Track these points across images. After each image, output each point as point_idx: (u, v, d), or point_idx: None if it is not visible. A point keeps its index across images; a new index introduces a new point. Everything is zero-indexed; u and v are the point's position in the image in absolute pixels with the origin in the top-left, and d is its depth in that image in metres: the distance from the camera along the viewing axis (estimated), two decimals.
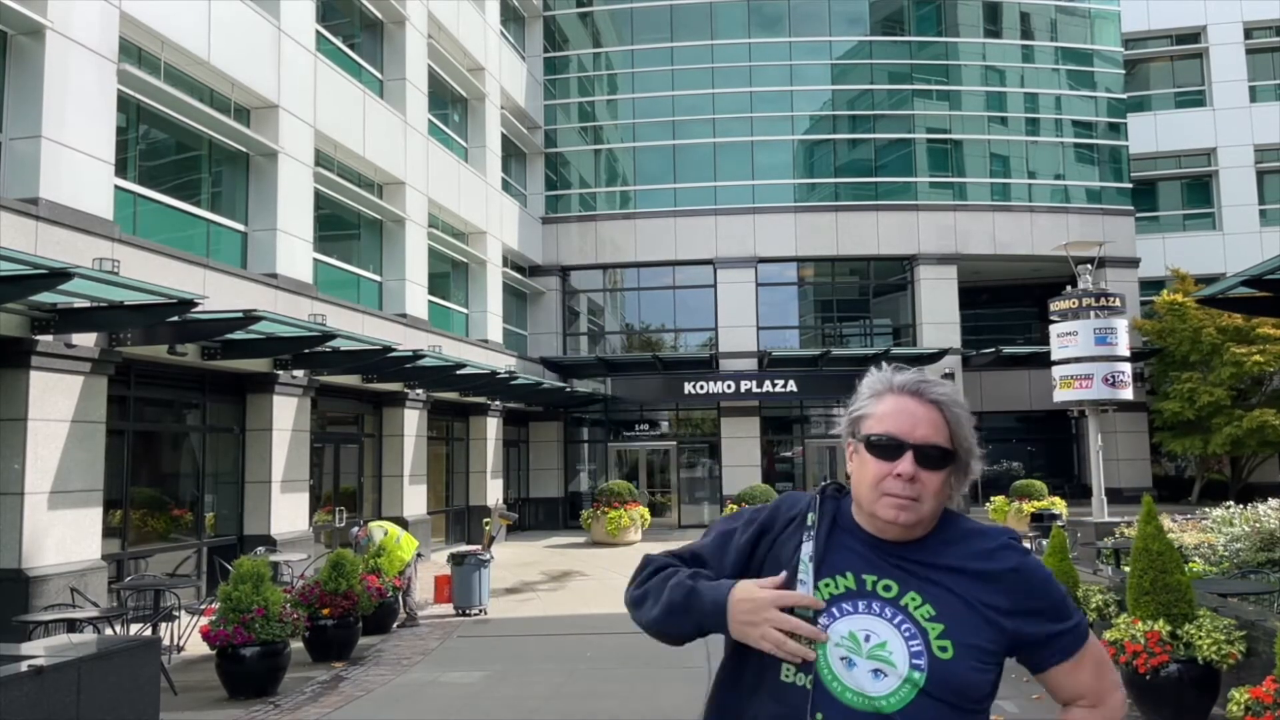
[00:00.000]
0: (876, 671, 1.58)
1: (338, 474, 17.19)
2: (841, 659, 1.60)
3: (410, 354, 14.99)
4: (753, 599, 1.62)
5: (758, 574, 1.70)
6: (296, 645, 8.75)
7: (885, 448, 1.64)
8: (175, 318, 9.96)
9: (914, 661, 1.58)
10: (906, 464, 1.62)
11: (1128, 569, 7.25)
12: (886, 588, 1.64)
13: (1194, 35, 30.82)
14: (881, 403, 1.68)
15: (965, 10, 27.41)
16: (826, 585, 1.65)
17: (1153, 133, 30.12)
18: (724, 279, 26.36)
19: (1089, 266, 15.58)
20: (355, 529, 11.97)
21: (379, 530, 11.55)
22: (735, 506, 16.09)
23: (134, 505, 11.99)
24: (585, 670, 8.91)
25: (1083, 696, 1.73)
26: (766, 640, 1.59)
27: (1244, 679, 5.81)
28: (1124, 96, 28.26)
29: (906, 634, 1.60)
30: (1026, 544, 13.05)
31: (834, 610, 1.63)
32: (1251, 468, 26.02)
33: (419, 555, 12.01)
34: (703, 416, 26.84)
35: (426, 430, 19.18)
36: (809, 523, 1.73)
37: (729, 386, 24.73)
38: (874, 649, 1.59)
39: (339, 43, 17.33)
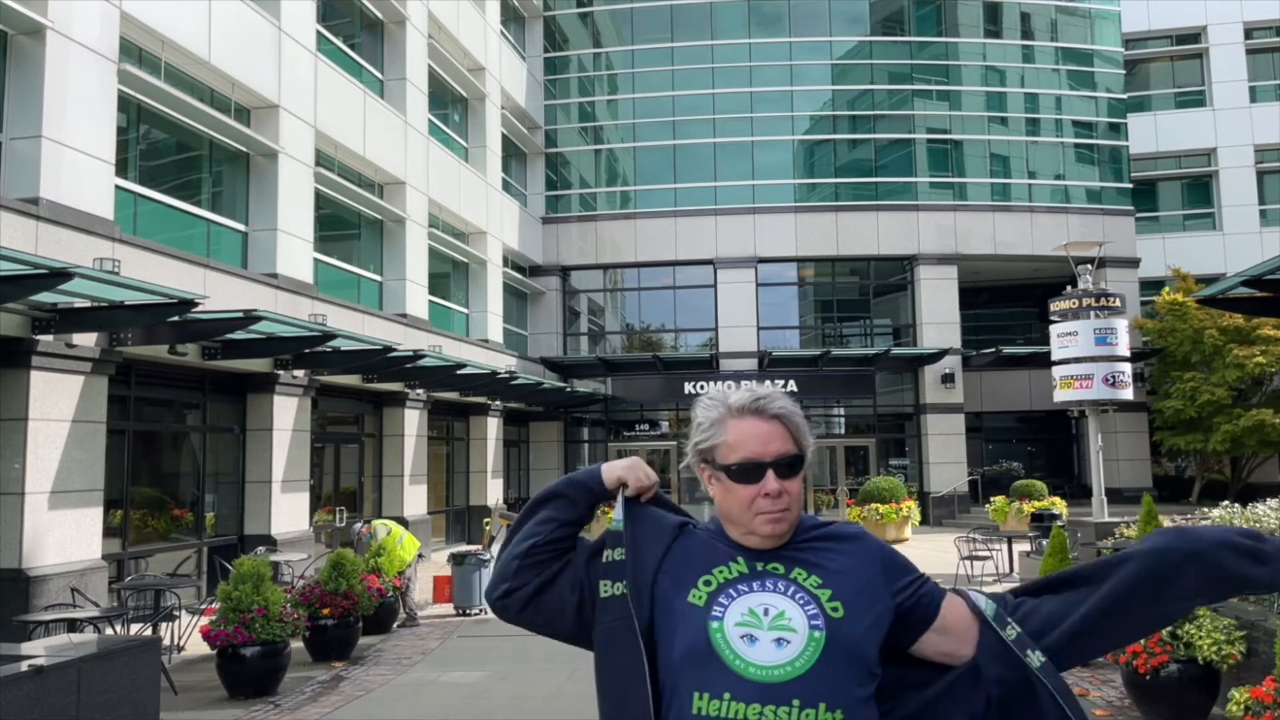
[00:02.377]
0: (780, 640, 1.65)
1: (338, 474, 17.20)
2: (743, 637, 1.65)
3: (410, 354, 14.99)
4: (629, 460, 1.88)
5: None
6: (296, 645, 8.75)
7: (747, 471, 1.72)
8: (175, 318, 9.97)
9: (812, 623, 1.66)
10: (771, 482, 1.71)
11: None
12: (775, 568, 1.73)
13: (1194, 35, 30.82)
14: (727, 430, 1.76)
15: (965, 10, 27.41)
16: (720, 571, 1.73)
17: (1153, 133, 30.11)
18: (724, 279, 26.36)
19: (1089, 266, 15.56)
20: (359, 525, 12.00)
21: (382, 528, 11.59)
22: None
23: (134, 505, 11.99)
24: (586, 670, 8.88)
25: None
26: (632, 468, 1.83)
27: (1244, 679, 5.81)
28: (1124, 96, 28.26)
29: (801, 601, 1.68)
30: (1027, 545, 13.00)
31: (730, 591, 1.70)
32: (1251, 468, 26.02)
33: (419, 556, 12.04)
34: None
35: (427, 430, 19.18)
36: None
37: (729, 387, 24.50)
38: (774, 620, 1.66)
39: (339, 43, 17.33)
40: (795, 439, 1.74)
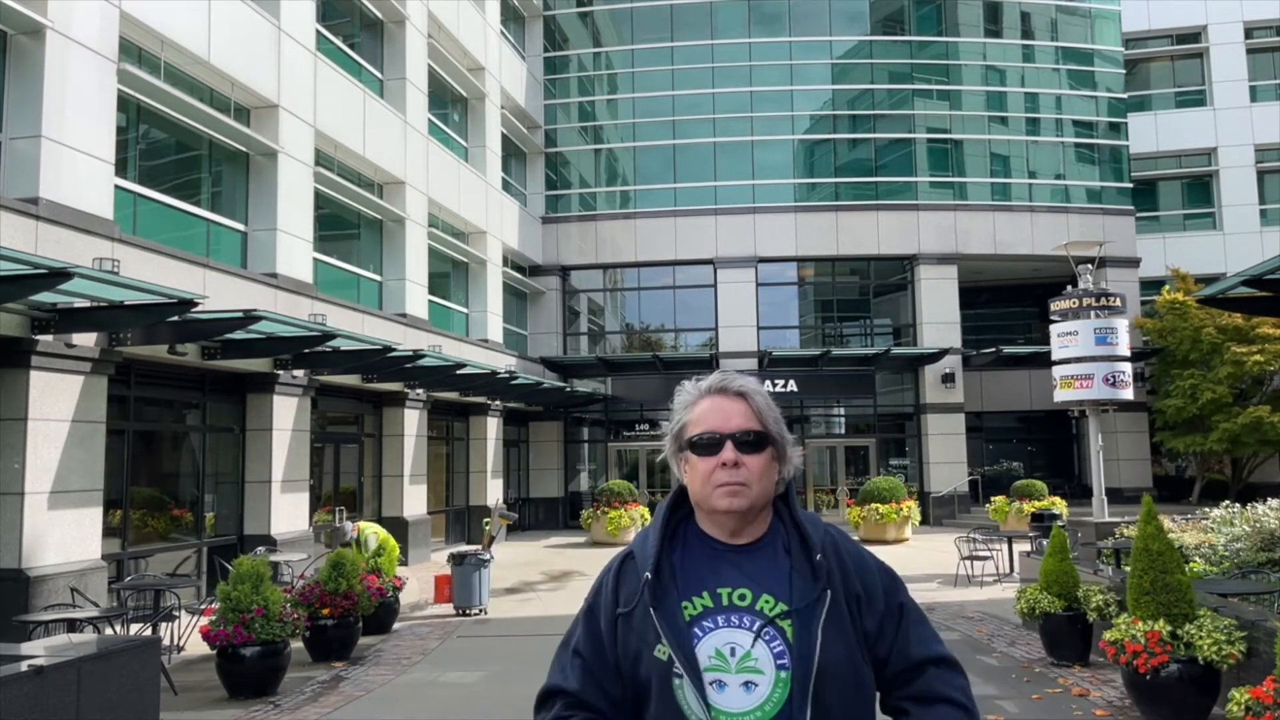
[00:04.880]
0: (748, 684, 1.64)
1: (338, 474, 17.20)
2: (712, 683, 1.64)
3: (410, 354, 14.99)
4: None
5: (631, 656, 1.71)
6: (296, 645, 8.75)
7: (707, 445, 1.76)
8: (175, 317, 9.96)
9: (779, 662, 1.65)
10: (728, 452, 1.74)
11: (1128, 569, 7.25)
12: (741, 597, 1.71)
13: (1194, 35, 30.81)
14: (695, 409, 1.82)
15: (965, 10, 27.40)
16: (687, 608, 1.71)
17: (1153, 133, 30.11)
18: (724, 279, 26.36)
19: (1089, 266, 15.56)
20: (349, 525, 12.11)
21: (374, 536, 11.66)
22: None
23: (134, 505, 11.99)
24: None
25: None
26: None
27: (1244, 679, 5.81)
28: (1124, 96, 28.25)
29: (767, 636, 1.66)
30: (1027, 545, 13.00)
31: (696, 631, 1.68)
32: (1252, 468, 26.01)
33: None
34: None
35: (426, 430, 19.18)
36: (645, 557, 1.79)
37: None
38: (741, 661, 1.65)
39: (339, 42, 17.32)
40: (759, 418, 1.77)
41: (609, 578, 1.83)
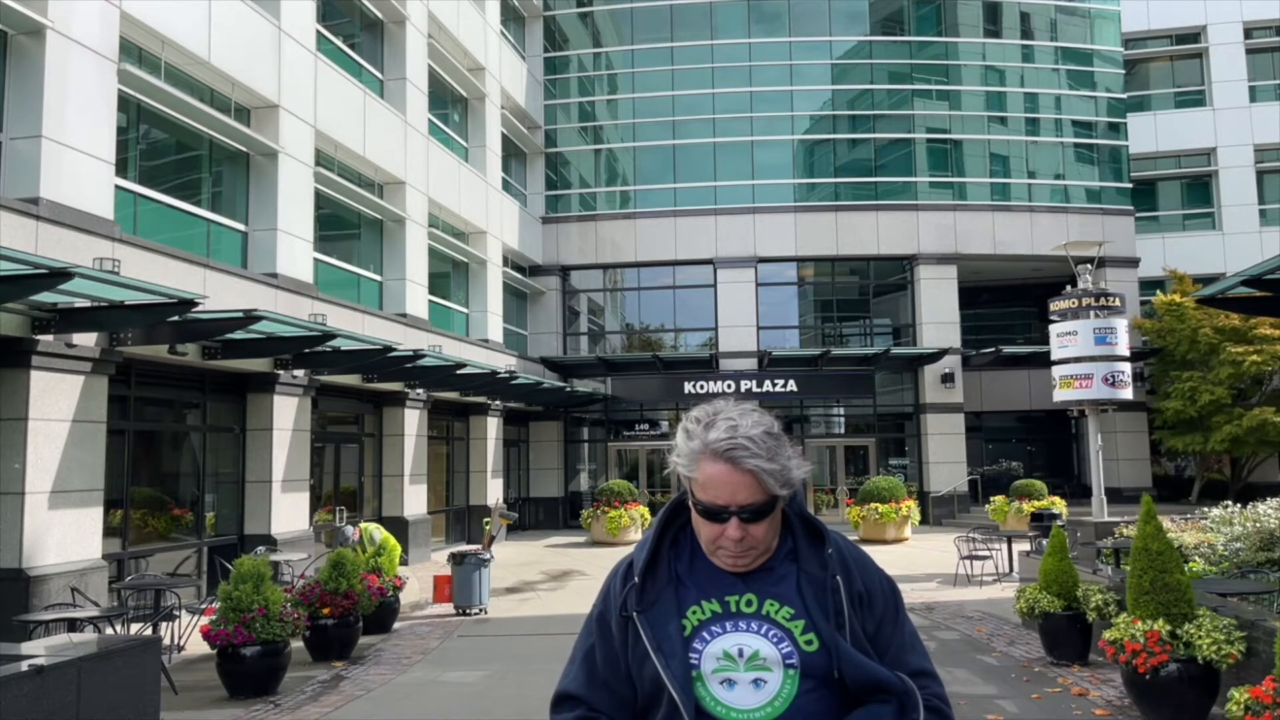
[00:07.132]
0: (757, 682, 1.69)
1: (338, 474, 17.20)
2: (721, 683, 1.70)
3: (410, 354, 14.99)
4: None
5: (639, 659, 1.75)
6: (297, 645, 8.75)
7: (712, 514, 1.74)
8: (175, 317, 9.97)
9: (787, 661, 1.70)
10: (733, 529, 1.73)
11: (1127, 568, 7.26)
12: (749, 603, 1.75)
13: (1194, 35, 30.82)
14: (701, 468, 1.74)
15: (965, 10, 27.40)
16: (694, 612, 1.76)
17: (1152, 133, 30.11)
18: (724, 279, 26.36)
19: (1089, 266, 15.57)
20: (350, 529, 12.08)
21: (377, 532, 11.67)
22: None
23: (134, 505, 11.99)
24: None
25: None
26: None
27: (1244, 679, 5.82)
28: (1124, 96, 28.26)
29: (774, 639, 1.72)
30: (1027, 544, 13.01)
31: (704, 634, 1.73)
32: (1251, 467, 26.02)
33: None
34: None
35: (427, 430, 19.19)
36: (640, 564, 1.82)
37: (729, 386, 24.76)
38: (750, 661, 1.70)
39: (339, 42, 17.33)
40: (764, 488, 1.72)
41: (615, 582, 1.86)
